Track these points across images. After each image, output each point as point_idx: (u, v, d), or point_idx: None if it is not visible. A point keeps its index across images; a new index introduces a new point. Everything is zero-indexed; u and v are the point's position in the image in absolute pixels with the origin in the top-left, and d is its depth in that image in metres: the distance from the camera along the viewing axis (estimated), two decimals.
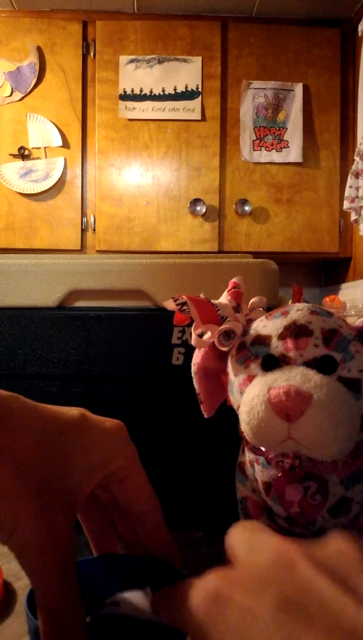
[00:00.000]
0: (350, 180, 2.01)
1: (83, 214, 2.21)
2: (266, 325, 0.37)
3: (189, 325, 0.39)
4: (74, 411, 0.26)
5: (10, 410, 0.24)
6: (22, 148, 2.19)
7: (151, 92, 2.20)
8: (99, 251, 2.20)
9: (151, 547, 0.29)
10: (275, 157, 2.23)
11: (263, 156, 2.23)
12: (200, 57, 2.20)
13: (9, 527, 0.22)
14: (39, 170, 2.19)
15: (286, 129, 2.23)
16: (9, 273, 0.56)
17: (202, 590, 0.20)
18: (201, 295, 0.39)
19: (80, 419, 0.26)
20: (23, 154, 2.20)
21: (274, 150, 2.23)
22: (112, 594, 0.26)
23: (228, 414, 0.41)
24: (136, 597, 0.25)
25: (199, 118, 2.21)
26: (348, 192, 2.01)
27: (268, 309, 0.41)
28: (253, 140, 2.23)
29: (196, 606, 0.19)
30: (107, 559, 0.29)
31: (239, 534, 0.22)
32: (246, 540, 0.21)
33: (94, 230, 2.20)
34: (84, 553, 0.29)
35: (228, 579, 0.19)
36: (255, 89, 2.22)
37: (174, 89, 2.20)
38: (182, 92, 2.20)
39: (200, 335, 0.39)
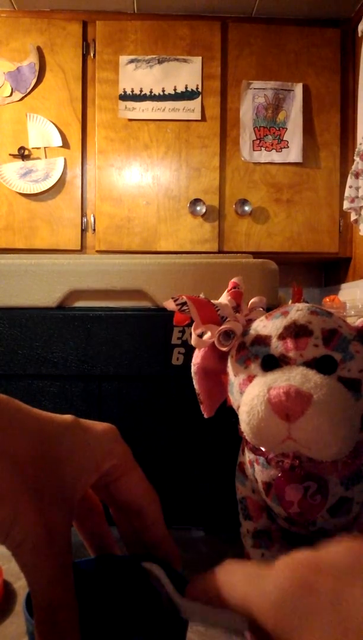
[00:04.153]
0: (350, 181, 2.01)
1: (83, 214, 2.21)
2: (266, 326, 0.37)
3: (189, 325, 0.39)
4: (66, 416, 0.27)
5: (7, 412, 0.24)
6: (22, 148, 2.20)
7: (151, 92, 2.20)
8: (99, 251, 2.20)
9: (151, 544, 0.29)
10: (275, 157, 2.23)
11: (263, 156, 2.23)
12: (200, 57, 2.20)
13: (6, 526, 0.22)
14: (39, 171, 2.19)
15: (286, 129, 2.23)
16: (9, 273, 0.56)
17: (288, 575, 0.20)
18: (201, 295, 0.39)
19: (73, 422, 0.27)
20: (23, 154, 2.20)
21: (274, 151, 2.23)
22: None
23: (228, 414, 0.41)
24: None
25: (199, 118, 2.21)
26: (348, 192, 2.01)
27: (268, 309, 0.41)
28: (253, 141, 2.23)
29: (280, 589, 0.20)
30: (105, 559, 0.29)
31: None
32: None
33: (94, 230, 2.20)
34: (84, 553, 0.29)
35: (312, 566, 0.20)
36: (254, 89, 2.22)
37: (174, 89, 2.20)
38: (182, 92, 2.20)
39: (200, 335, 0.39)
